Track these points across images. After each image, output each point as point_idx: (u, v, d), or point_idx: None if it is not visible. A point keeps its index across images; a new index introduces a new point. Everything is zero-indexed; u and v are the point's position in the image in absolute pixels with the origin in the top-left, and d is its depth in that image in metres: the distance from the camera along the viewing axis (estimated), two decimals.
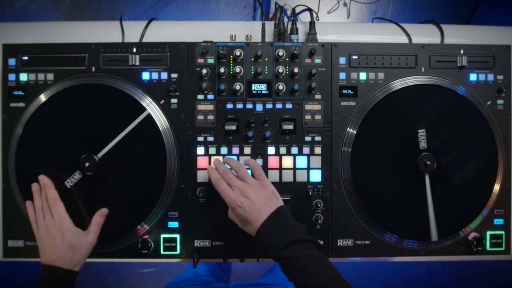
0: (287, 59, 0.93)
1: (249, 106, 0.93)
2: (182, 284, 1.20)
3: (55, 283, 0.78)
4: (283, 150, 0.93)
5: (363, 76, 0.94)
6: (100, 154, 0.89)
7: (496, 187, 0.94)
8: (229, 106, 0.93)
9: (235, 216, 0.80)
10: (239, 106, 0.93)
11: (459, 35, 1.03)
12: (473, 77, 0.95)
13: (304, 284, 0.70)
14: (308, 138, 0.93)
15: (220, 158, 0.91)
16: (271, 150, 0.93)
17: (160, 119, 0.91)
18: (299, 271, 0.70)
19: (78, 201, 0.88)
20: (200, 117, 0.93)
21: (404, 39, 1.01)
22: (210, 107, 0.93)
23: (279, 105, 0.93)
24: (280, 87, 0.91)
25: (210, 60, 0.93)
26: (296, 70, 0.92)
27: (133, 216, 0.91)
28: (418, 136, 0.91)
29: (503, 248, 0.95)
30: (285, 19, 1.00)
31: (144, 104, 0.90)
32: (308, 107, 0.93)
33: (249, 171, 0.85)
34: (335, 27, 1.03)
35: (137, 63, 0.92)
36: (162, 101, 0.92)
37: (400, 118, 0.92)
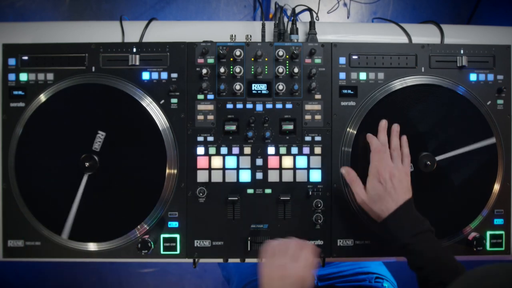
0: (287, 59, 0.93)
1: (249, 106, 0.93)
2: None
3: None
4: (283, 150, 0.93)
5: (363, 76, 0.94)
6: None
7: (496, 187, 0.94)
8: (229, 106, 0.93)
9: (371, 188, 0.83)
10: (239, 106, 0.93)
11: (459, 35, 1.03)
12: (473, 77, 0.95)
13: (432, 271, 0.76)
14: (308, 138, 0.93)
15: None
16: (271, 150, 0.93)
17: (160, 119, 0.91)
18: (428, 259, 0.76)
19: None
20: (200, 117, 0.93)
21: (404, 39, 1.01)
22: (210, 107, 0.93)
23: (279, 105, 0.93)
24: (280, 87, 0.91)
25: (210, 60, 0.92)
26: (296, 70, 0.91)
27: (133, 216, 0.91)
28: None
29: (503, 248, 0.95)
30: (285, 19, 0.99)
31: (144, 104, 0.90)
32: (308, 107, 0.93)
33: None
34: (335, 27, 1.03)
35: (137, 63, 0.92)
36: (162, 101, 0.92)
37: (400, 118, 0.92)
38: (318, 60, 0.93)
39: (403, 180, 0.83)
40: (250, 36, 0.95)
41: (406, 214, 0.80)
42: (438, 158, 0.91)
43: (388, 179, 0.82)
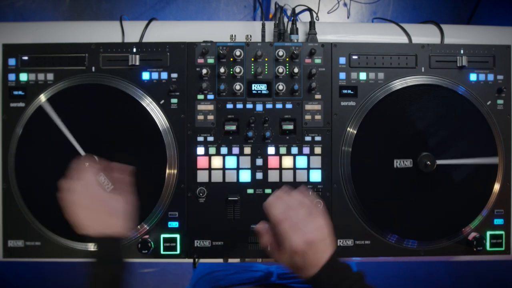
0: (287, 59, 0.93)
1: (249, 106, 0.93)
2: (218, 274, 1.08)
3: (111, 251, 0.75)
4: (283, 150, 0.93)
5: (363, 76, 0.94)
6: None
7: (496, 187, 0.94)
8: (229, 106, 0.93)
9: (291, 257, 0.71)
10: (239, 106, 0.93)
11: (459, 35, 1.03)
12: (473, 77, 0.95)
13: None
14: (308, 138, 0.93)
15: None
16: (271, 150, 0.93)
17: (160, 119, 0.91)
18: None
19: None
20: (200, 117, 0.93)
21: (404, 39, 1.01)
22: (210, 107, 0.93)
23: (279, 105, 0.93)
24: (280, 87, 0.91)
25: (210, 60, 0.92)
26: (296, 70, 0.91)
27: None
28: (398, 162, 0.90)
29: (503, 248, 0.95)
30: (285, 19, 0.99)
31: (144, 104, 0.90)
32: (308, 107, 0.93)
33: None
34: (335, 27, 1.03)
35: (137, 63, 0.92)
36: (162, 101, 0.92)
37: (400, 118, 0.92)
38: (318, 60, 0.93)
39: (319, 243, 0.69)
40: (250, 36, 0.95)
41: (332, 271, 0.69)
42: (438, 162, 0.90)
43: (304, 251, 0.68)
